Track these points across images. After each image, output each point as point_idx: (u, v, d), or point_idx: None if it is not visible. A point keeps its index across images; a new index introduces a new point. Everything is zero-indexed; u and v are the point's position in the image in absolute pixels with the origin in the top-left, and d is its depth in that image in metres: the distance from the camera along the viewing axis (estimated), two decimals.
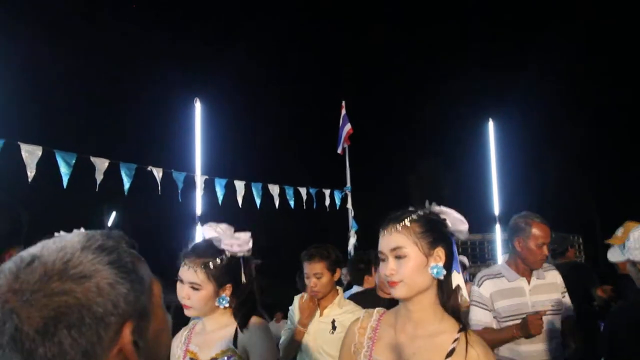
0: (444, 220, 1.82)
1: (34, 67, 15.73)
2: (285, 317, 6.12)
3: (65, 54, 18.06)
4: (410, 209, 1.83)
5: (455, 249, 1.84)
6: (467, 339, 1.71)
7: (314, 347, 3.46)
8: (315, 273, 3.46)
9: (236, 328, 2.19)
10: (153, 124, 18.80)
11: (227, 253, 2.18)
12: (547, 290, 3.39)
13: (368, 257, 4.65)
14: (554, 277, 3.47)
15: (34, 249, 0.83)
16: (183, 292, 2.14)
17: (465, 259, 6.50)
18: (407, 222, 1.76)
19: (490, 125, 7.17)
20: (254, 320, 2.23)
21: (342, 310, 3.49)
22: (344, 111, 7.67)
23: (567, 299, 3.49)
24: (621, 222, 3.36)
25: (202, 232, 2.27)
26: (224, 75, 20.49)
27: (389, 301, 3.83)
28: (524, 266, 3.39)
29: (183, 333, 2.31)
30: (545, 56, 19.73)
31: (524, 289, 3.36)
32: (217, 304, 2.18)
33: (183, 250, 2.23)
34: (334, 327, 3.43)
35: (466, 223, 1.83)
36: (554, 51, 19.50)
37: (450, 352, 1.68)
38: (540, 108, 20.72)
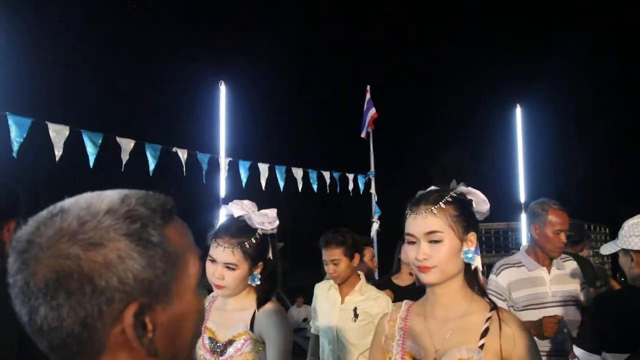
0: (471, 200, 1.76)
1: (62, 48, 15.90)
2: (306, 302, 6.14)
3: (93, 35, 18.22)
4: (437, 188, 1.76)
5: None
6: (499, 317, 1.66)
7: (335, 335, 3.45)
8: (333, 259, 3.44)
9: (254, 312, 2.18)
10: (179, 106, 18.91)
11: (259, 231, 2.18)
12: (566, 281, 3.34)
13: None
14: (573, 268, 3.42)
15: (69, 200, 0.79)
16: (217, 273, 2.12)
17: None
18: (442, 204, 1.67)
19: (518, 111, 7.07)
20: (272, 306, 2.21)
21: (363, 297, 3.47)
22: (368, 95, 7.63)
23: (586, 290, 3.44)
24: None
25: (228, 210, 2.24)
26: (249, 58, 20.50)
27: (407, 290, 3.80)
28: (544, 255, 3.34)
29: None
30: (575, 42, 19.33)
31: (544, 279, 3.31)
32: (249, 282, 2.18)
33: (211, 230, 2.21)
34: (355, 315, 3.42)
35: (488, 204, 1.77)
36: (584, 37, 19.11)
37: (485, 332, 1.64)
38: (568, 95, 20.35)
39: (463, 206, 1.72)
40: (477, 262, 1.77)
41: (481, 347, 1.63)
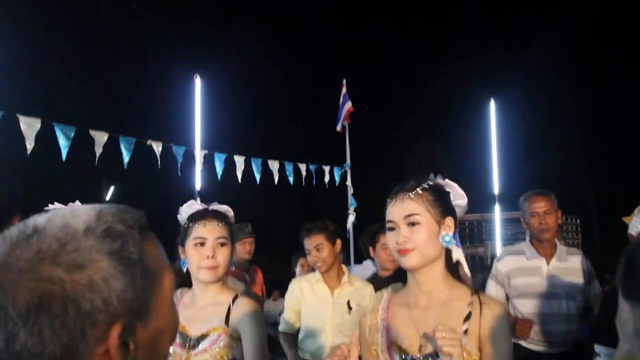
0: (449, 192, 1.82)
1: (33, 38, 15.60)
2: (282, 295, 6.14)
3: (65, 27, 17.91)
4: (415, 180, 1.81)
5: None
6: (480, 301, 1.71)
7: (332, 329, 3.44)
8: (316, 245, 3.46)
9: (229, 307, 2.18)
10: (153, 99, 18.69)
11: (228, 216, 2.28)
12: (566, 274, 3.36)
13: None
14: (578, 262, 3.42)
15: (41, 219, 0.77)
16: (208, 251, 2.14)
17: None
18: (419, 190, 1.74)
19: (492, 104, 7.13)
20: (247, 301, 2.24)
21: (353, 287, 3.47)
22: (344, 89, 7.62)
23: (594, 285, 3.42)
24: (618, 206, 3.36)
25: (187, 210, 2.30)
26: (224, 51, 20.34)
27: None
28: (541, 245, 3.40)
29: None
30: (549, 36, 19.55)
31: (542, 269, 3.38)
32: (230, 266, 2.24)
33: (187, 220, 2.24)
34: (349, 307, 3.42)
35: (466, 198, 1.83)
36: (557, 31, 19.33)
37: (468, 316, 1.68)
38: (543, 88, 20.60)
39: (439, 193, 1.79)
40: (459, 255, 1.82)
41: (465, 332, 1.66)
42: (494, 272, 3.49)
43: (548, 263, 3.39)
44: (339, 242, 3.53)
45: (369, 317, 1.83)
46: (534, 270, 3.38)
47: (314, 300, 3.54)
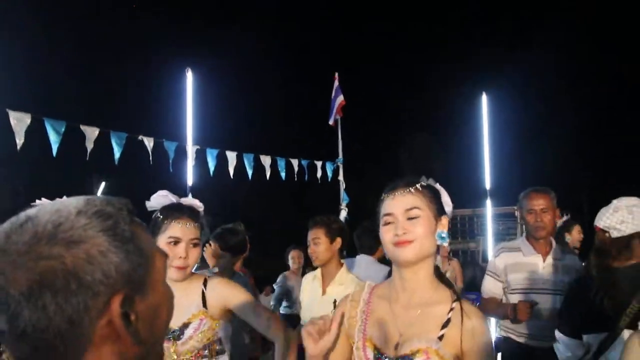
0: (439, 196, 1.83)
1: (23, 33, 15.50)
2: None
3: (57, 22, 17.80)
4: (411, 179, 1.82)
5: None
6: (462, 309, 1.69)
7: None
8: (314, 238, 3.48)
9: (202, 291, 2.24)
10: (145, 94, 18.63)
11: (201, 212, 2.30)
12: (561, 271, 3.41)
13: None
14: (573, 261, 3.50)
15: (31, 211, 0.80)
16: (181, 252, 2.16)
17: None
18: (418, 186, 1.75)
19: (484, 99, 7.15)
20: (218, 280, 2.33)
21: (343, 286, 3.48)
22: (336, 83, 7.62)
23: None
24: (609, 202, 3.37)
25: (158, 200, 2.29)
26: (216, 46, 20.28)
27: None
28: (537, 242, 3.44)
29: None
30: (542, 32, 19.61)
31: (538, 265, 3.44)
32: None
33: (160, 213, 2.24)
34: (335, 307, 3.43)
35: (451, 206, 1.84)
36: (552, 26, 19.39)
37: (446, 323, 1.67)
38: (538, 86, 20.69)
39: (435, 192, 1.80)
40: (437, 261, 1.84)
41: (440, 337, 1.65)
42: (491, 268, 3.54)
43: (544, 260, 3.43)
44: (338, 240, 3.52)
45: (349, 307, 1.82)
46: (530, 266, 3.44)
47: (308, 296, 3.59)
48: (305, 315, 3.62)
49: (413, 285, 1.74)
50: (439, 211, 1.76)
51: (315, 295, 3.53)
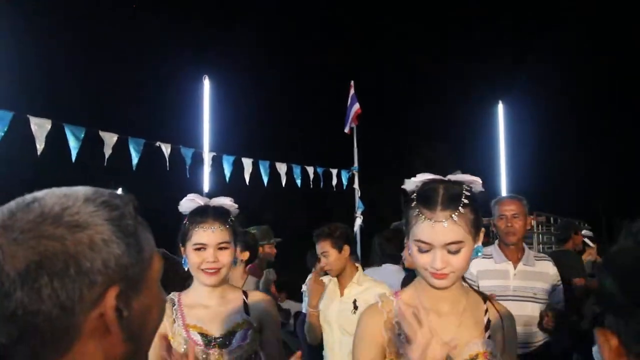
0: (472, 189, 1.65)
1: (45, 41, 15.72)
2: (289, 297, 6.16)
3: (76, 29, 18.04)
4: (443, 179, 1.63)
5: None
6: (495, 308, 1.69)
7: (337, 327, 3.48)
8: (322, 252, 3.48)
9: (244, 300, 2.20)
10: (162, 101, 18.78)
11: (232, 213, 2.22)
12: (532, 278, 3.44)
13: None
14: (545, 267, 3.50)
15: (38, 193, 0.79)
16: (210, 257, 2.08)
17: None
18: (462, 209, 1.52)
19: (500, 107, 7.13)
20: (260, 294, 2.29)
21: (362, 287, 3.48)
22: (352, 91, 7.64)
23: (557, 292, 3.49)
24: (625, 211, 3.37)
25: (188, 204, 2.22)
26: (233, 53, 20.40)
27: None
28: (508, 249, 3.48)
29: (169, 307, 2.16)
30: (560, 39, 19.51)
31: (509, 272, 3.45)
32: (232, 264, 2.18)
33: (187, 219, 2.18)
34: (355, 307, 3.44)
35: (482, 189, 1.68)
36: (569, 35, 19.28)
37: (488, 324, 1.66)
38: (550, 91, 20.55)
39: (475, 204, 1.60)
40: None
41: (488, 338, 1.64)
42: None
43: (515, 267, 3.44)
44: (346, 247, 3.50)
45: (385, 315, 1.68)
46: (500, 274, 3.46)
47: (327, 297, 3.59)
48: (323, 316, 3.62)
49: (450, 295, 1.66)
50: (479, 228, 1.59)
51: (333, 297, 3.55)
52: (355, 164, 7.74)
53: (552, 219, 10.39)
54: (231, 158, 6.45)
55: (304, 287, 3.80)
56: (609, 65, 20.23)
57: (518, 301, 3.35)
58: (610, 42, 20.74)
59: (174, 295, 2.24)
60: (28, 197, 0.78)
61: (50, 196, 0.78)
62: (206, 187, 5.84)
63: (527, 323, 3.34)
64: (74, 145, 4.99)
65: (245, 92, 18.93)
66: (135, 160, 5.54)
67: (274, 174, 6.90)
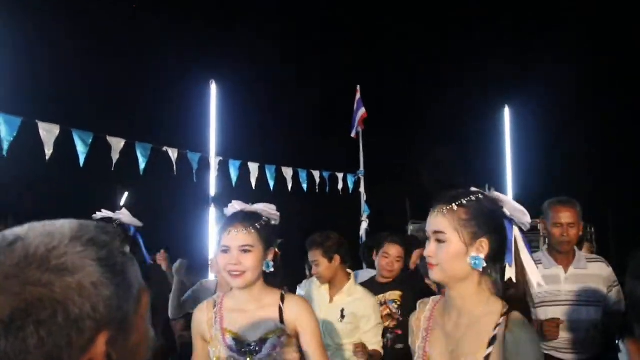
0: (501, 208, 1.69)
1: (52, 46, 15.81)
2: None
3: (83, 33, 18.13)
4: (469, 189, 1.71)
5: (519, 240, 1.70)
6: (507, 324, 1.60)
7: (323, 332, 3.48)
8: (313, 260, 3.50)
9: (280, 306, 2.20)
10: (169, 105, 18.81)
11: (265, 217, 2.25)
12: (584, 281, 3.31)
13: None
14: (598, 269, 3.38)
15: (20, 230, 0.74)
16: (233, 259, 2.13)
17: None
18: (454, 206, 1.65)
19: (506, 111, 7.13)
20: (296, 298, 2.30)
21: (351, 298, 3.48)
22: (358, 95, 7.66)
23: (613, 293, 3.36)
24: (634, 215, 3.33)
25: (228, 211, 2.28)
26: (239, 57, 20.42)
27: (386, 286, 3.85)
28: (559, 253, 3.37)
29: (209, 309, 2.25)
30: (566, 43, 19.46)
31: (559, 277, 3.33)
32: (264, 268, 2.20)
33: (221, 225, 2.24)
34: (342, 316, 3.44)
35: (527, 215, 1.69)
36: (575, 38, 19.24)
37: (492, 340, 1.60)
38: (558, 95, 20.48)
39: (478, 211, 1.66)
40: (509, 273, 1.70)
41: (487, 357, 1.59)
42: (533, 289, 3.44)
43: (566, 271, 3.36)
44: (337, 257, 3.49)
45: (414, 327, 1.80)
46: (551, 279, 3.30)
47: (316, 302, 3.59)
48: None
49: (459, 303, 1.68)
50: (476, 234, 1.63)
51: (322, 302, 3.55)
52: (361, 168, 7.75)
53: None
54: (237, 163, 6.48)
55: (299, 290, 3.81)
56: (619, 67, 20.17)
57: (571, 305, 3.25)
58: (620, 43, 20.68)
59: (217, 296, 2.29)
60: (8, 234, 0.73)
61: (34, 234, 0.72)
62: (213, 192, 5.87)
63: (583, 328, 3.23)
64: (82, 150, 5.03)
65: (252, 97, 18.97)
66: (142, 165, 5.57)
67: (280, 179, 6.92)
